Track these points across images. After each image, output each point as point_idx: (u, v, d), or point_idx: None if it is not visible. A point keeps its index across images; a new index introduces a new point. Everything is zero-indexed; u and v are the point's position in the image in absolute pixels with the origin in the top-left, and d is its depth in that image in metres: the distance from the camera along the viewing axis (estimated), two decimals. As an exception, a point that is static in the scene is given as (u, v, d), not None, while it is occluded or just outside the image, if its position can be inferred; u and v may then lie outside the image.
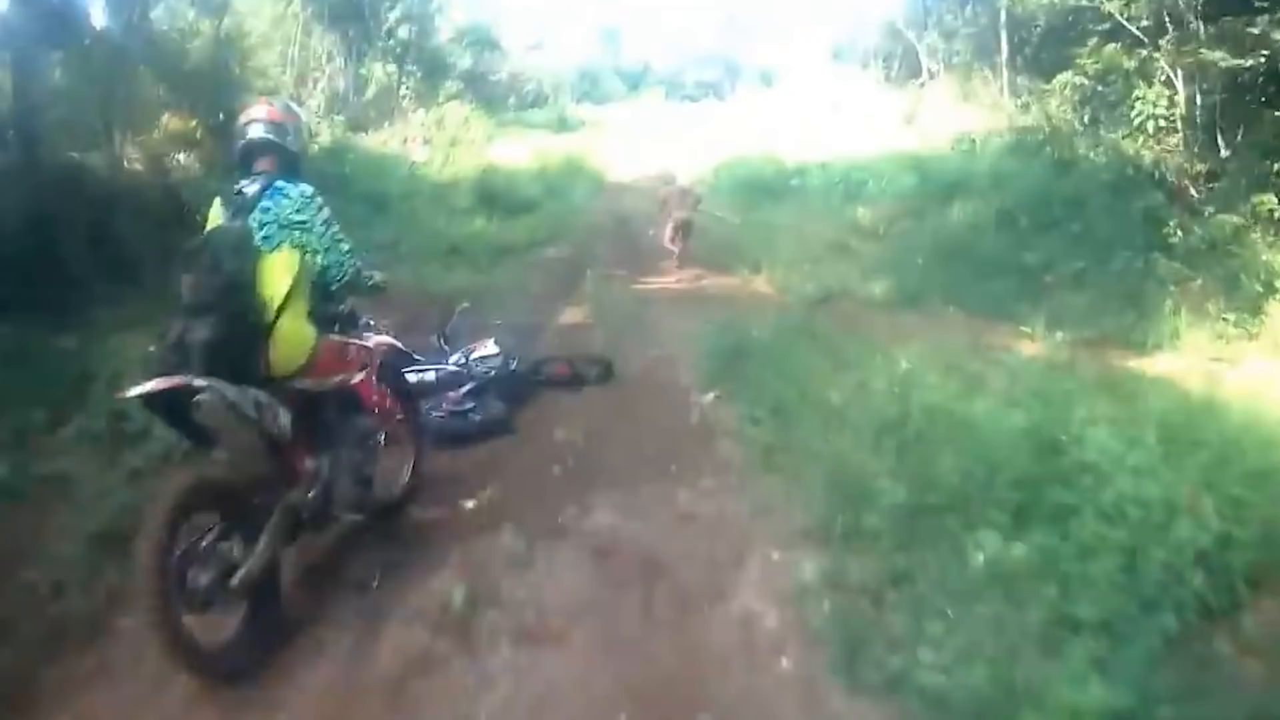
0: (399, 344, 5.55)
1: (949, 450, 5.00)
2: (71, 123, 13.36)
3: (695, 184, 16.07)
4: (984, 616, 3.60)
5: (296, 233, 4.26)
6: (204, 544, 3.75)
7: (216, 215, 4.31)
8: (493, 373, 6.96)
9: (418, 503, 5.31)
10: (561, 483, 5.49)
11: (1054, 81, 16.61)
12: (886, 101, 27.68)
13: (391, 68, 26.86)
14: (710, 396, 7.13)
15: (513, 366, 7.22)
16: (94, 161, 13.25)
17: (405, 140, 24.00)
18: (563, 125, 37.60)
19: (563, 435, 6.35)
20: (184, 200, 13.89)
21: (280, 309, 4.04)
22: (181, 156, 15.96)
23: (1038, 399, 5.61)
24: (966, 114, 22.11)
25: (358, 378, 4.68)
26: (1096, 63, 14.72)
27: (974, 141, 19.58)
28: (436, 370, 6.79)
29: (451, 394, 6.63)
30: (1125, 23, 14.19)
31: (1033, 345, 8.85)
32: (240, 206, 4.22)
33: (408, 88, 27.32)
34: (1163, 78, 13.70)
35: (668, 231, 14.40)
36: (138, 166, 14.46)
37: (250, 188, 4.27)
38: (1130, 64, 14.07)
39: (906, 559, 4.08)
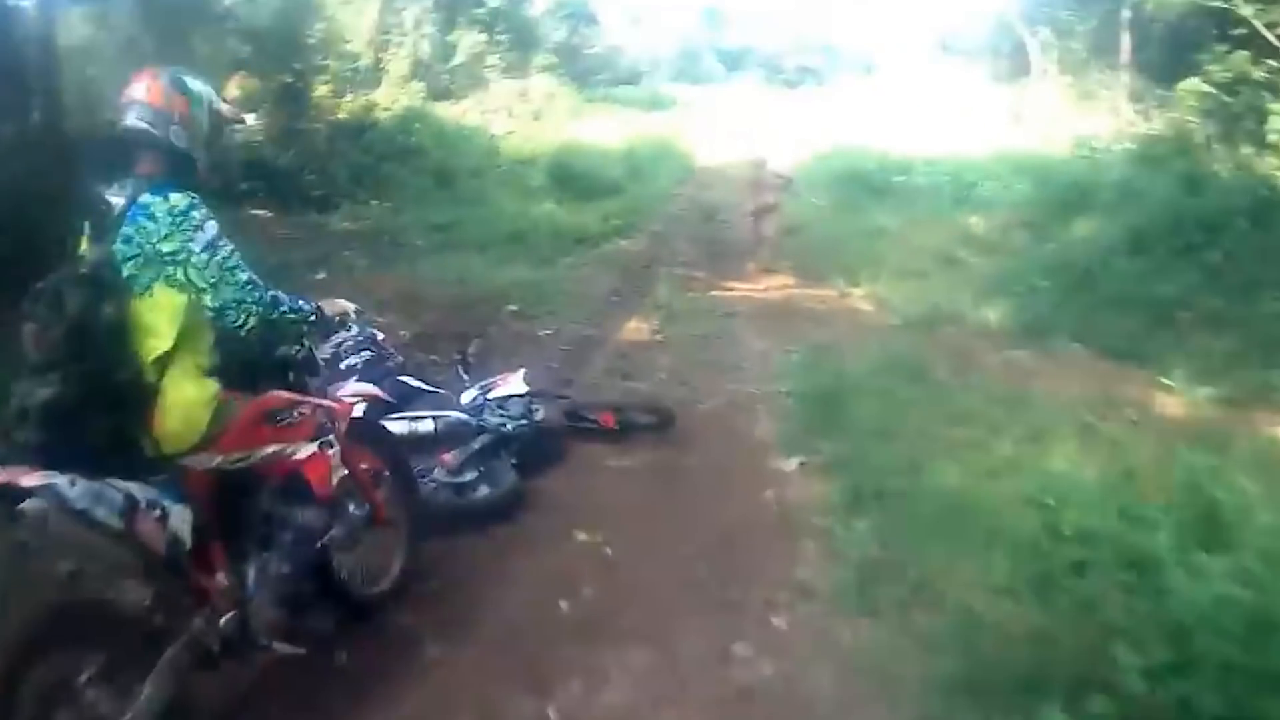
0: (380, 391, 4.29)
1: (1115, 601, 3.64)
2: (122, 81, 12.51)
3: (789, 169, 14.65)
4: None
5: (169, 268, 3.00)
6: (73, 685, 2.70)
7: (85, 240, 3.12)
8: (510, 425, 5.44)
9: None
10: (568, 629, 3.96)
11: (1178, 88, 15.16)
12: (993, 98, 26.09)
13: (480, 36, 25.67)
14: (794, 463, 5.65)
15: (537, 416, 5.67)
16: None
17: (484, 112, 22.86)
18: (655, 104, 36.25)
19: (585, 536, 4.75)
20: (230, 165, 13.04)
21: (165, 365, 2.98)
22: (250, 118, 15.16)
23: (1231, 526, 4.12)
24: (1081, 117, 20.49)
25: (305, 451, 3.41)
26: (1225, 70, 13.39)
27: (1093, 148, 17.93)
28: (436, 418, 5.30)
29: (448, 456, 5.14)
30: (1263, 29, 12.52)
31: (1173, 401, 7.30)
32: (104, 228, 3.02)
33: (497, 57, 26.11)
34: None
35: (751, 211, 13.61)
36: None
37: (118, 200, 3.04)
38: (1261, 74, 12.79)
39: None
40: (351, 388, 4.32)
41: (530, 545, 4.66)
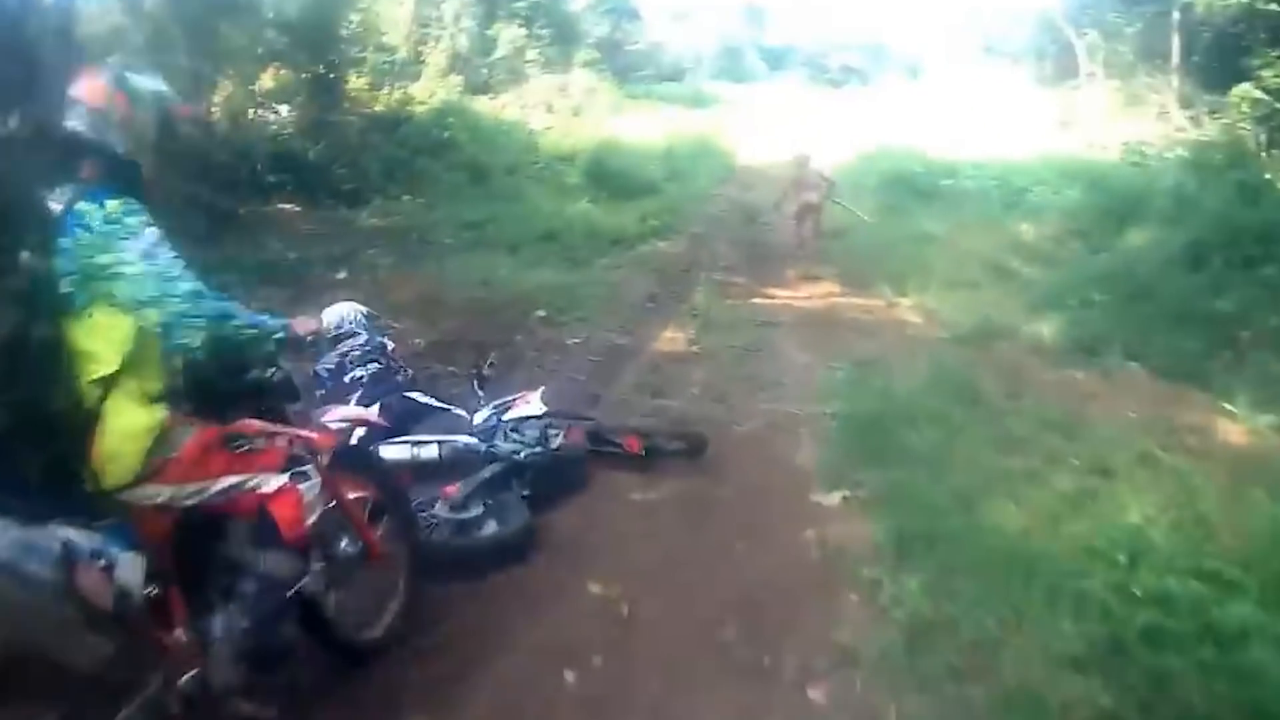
0: (375, 415, 3.86)
1: (1192, 680, 3.29)
2: (158, 70, 12.25)
3: (833, 171, 14.26)
4: None
5: (107, 284, 2.65)
6: None
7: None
8: (523, 453, 4.89)
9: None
10: (571, 707, 3.40)
11: (1231, 94, 14.69)
12: (1040, 101, 25.74)
13: (520, 30, 25.35)
14: (837, 498, 5.14)
15: (554, 442, 5.11)
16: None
17: (523, 106, 22.53)
18: (697, 101, 35.85)
19: (599, 589, 4.15)
20: (258, 159, 12.77)
21: (107, 391, 2.65)
22: (284, 109, 14.96)
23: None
24: (1130, 121, 20.10)
25: (272, 484, 2.98)
26: (1277, 76, 12.92)
27: (1144, 154, 17.49)
28: (442, 443, 4.77)
29: (451, 488, 4.57)
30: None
31: (1235, 429, 6.82)
32: (44, 240, 2.68)
33: (537, 52, 25.80)
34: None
35: (793, 211, 13.40)
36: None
37: (59, 208, 2.72)
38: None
39: None
40: (340, 412, 3.89)
41: (537, 597, 4.12)
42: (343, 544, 3.43)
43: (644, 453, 5.46)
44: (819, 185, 13.12)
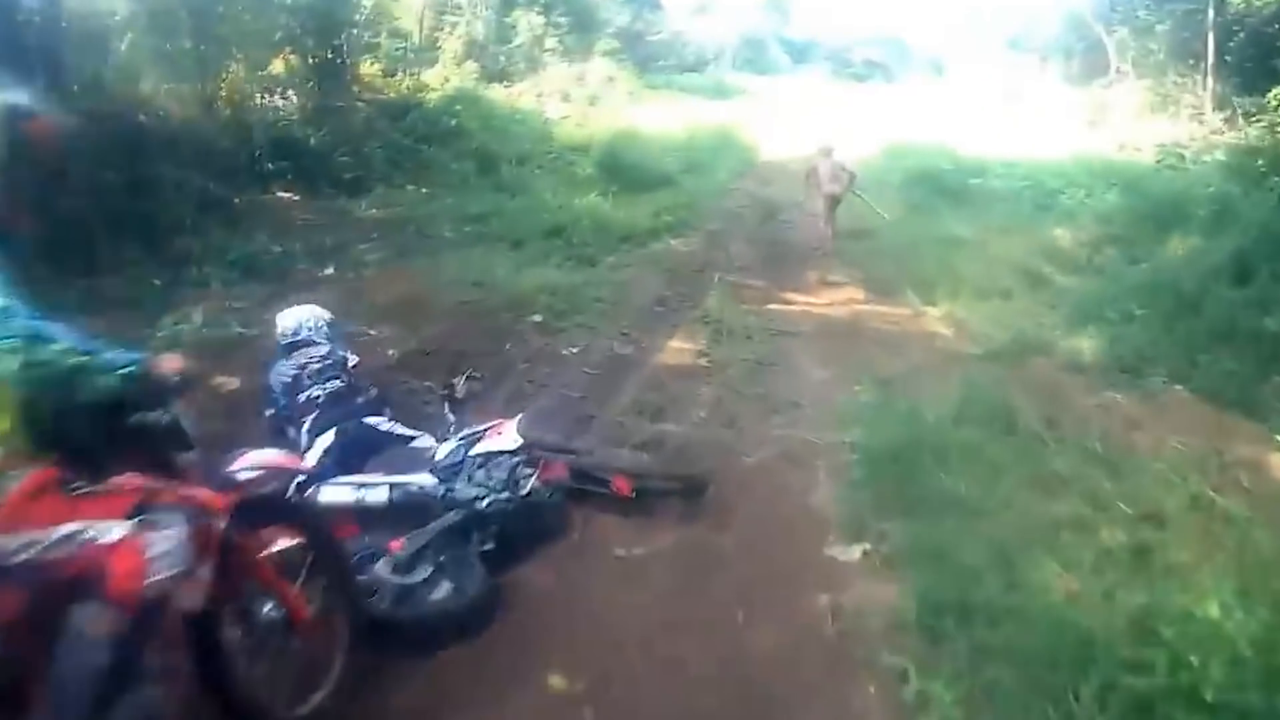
0: (293, 458, 3.26)
1: None
2: (161, 54, 11.89)
3: (856, 165, 13.78)
4: None
5: None
6: None
7: None
8: (487, 500, 4.14)
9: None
10: None
11: (1270, 96, 14.64)
12: (1068, 99, 25.24)
13: (539, 18, 24.84)
14: (856, 553, 4.45)
15: (524, 487, 4.31)
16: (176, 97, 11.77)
17: (540, 95, 22.06)
18: (719, 92, 35.36)
19: (561, 682, 3.36)
20: (258, 145, 12.25)
21: None
22: (291, 94, 14.51)
23: None
24: (1161, 122, 19.65)
25: (114, 534, 2.39)
26: None
27: (1181, 156, 16.91)
28: (393, 487, 4.11)
29: (397, 543, 3.83)
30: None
31: None
32: None
33: (556, 40, 25.29)
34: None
35: (819, 207, 12.97)
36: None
37: None
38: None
39: None
40: (251, 458, 3.28)
41: (483, 688, 3.35)
42: (265, 609, 2.93)
43: (634, 494, 4.70)
44: (840, 177, 12.72)
